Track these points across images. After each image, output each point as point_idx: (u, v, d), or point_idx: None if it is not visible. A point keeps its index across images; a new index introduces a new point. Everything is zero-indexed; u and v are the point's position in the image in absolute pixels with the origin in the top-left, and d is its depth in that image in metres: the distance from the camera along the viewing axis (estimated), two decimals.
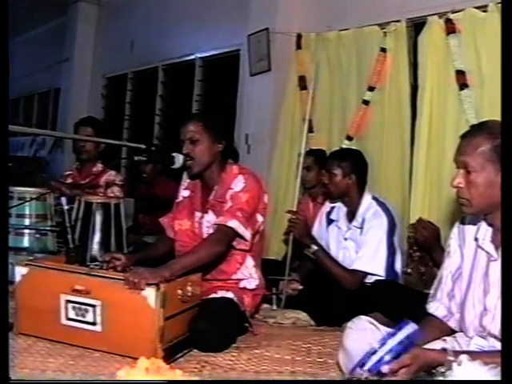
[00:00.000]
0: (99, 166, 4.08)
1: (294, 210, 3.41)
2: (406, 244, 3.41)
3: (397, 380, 1.67)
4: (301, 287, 3.30)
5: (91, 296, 2.28)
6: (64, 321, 2.34)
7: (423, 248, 3.22)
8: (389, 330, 1.91)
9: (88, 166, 4.09)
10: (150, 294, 2.17)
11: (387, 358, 1.65)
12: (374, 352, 1.67)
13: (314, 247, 3.18)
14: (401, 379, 1.64)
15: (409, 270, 3.34)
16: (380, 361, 1.65)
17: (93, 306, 2.28)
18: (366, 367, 1.66)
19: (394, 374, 1.64)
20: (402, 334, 1.69)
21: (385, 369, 1.64)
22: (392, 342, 1.67)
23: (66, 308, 2.33)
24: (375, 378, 1.67)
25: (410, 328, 1.71)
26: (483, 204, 1.79)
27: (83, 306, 2.30)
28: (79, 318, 2.31)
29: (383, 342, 1.68)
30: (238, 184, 2.64)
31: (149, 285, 2.19)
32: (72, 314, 2.33)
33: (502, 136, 1.71)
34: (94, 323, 2.29)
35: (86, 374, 2.04)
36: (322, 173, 3.76)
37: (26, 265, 2.46)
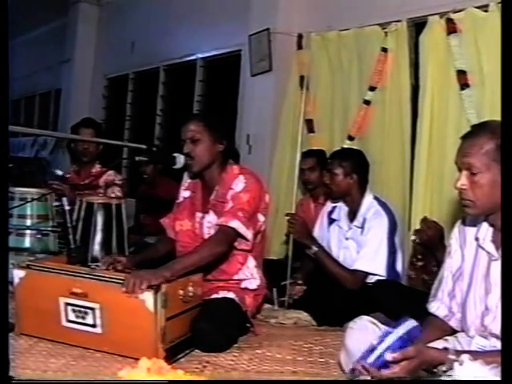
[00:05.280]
0: (98, 167, 4.09)
1: (293, 212, 3.42)
2: (411, 250, 3.40)
3: (397, 380, 1.67)
4: (305, 287, 3.29)
5: (89, 299, 2.26)
6: (64, 322, 2.33)
7: (427, 247, 3.21)
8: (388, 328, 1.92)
9: (87, 168, 4.10)
10: (148, 298, 2.16)
11: (388, 354, 1.66)
12: (374, 349, 1.68)
13: (315, 248, 3.18)
14: (400, 374, 1.64)
15: (413, 276, 3.33)
16: (380, 357, 1.66)
17: (91, 308, 2.26)
18: (369, 361, 1.67)
19: (395, 363, 1.65)
20: (401, 330, 1.70)
21: (388, 356, 1.64)
22: (391, 338, 1.68)
23: (66, 310, 2.32)
24: (375, 378, 1.67)
25: (410, 324, 1.72)
26: (488, 204, 1.78)
27: (82, 309, 2.28)
28: (79, 320, 2.30)
29: (382, 339, 1.69)
30: (239, 184, 2.64)
31: (148, 287, 2.18)
32: (72, 317, 2.31)
33: (502, 136, 1.70)
34: (94, 325, 2.28)
35: (87, 375, 2.04)
36: (322, 173, 3.77)
37: (23, 267, 2.43)
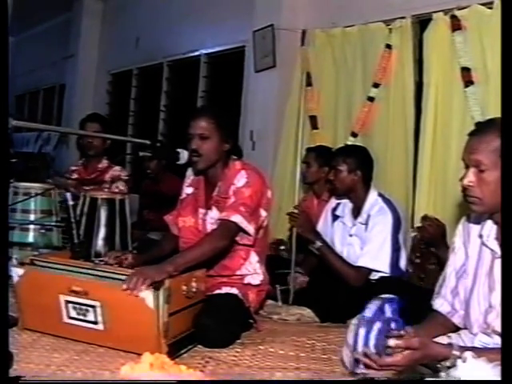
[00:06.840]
0: (105, 162, 4.11)
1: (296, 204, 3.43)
2: (410, 246, 3.40)
3: (397, 380, 1.67)
4: (307, 279, 3.30)
5: (89, 297, 2.25)
6: (66, 319, 2.32)
7: (429, 245, 3.21)
8: None
9: (94, 162, 4.13)
10: (148, 296, 2.15)
11: (377, 326, 1.66)
12: (358, 324, 1.68)
13: (319, 243, 3.18)
14: (401, 363, 1.64)
15: (410, 271, 3.33)
16: (369, 331, 1.65)
17: (92, 306, 2.25)
18: (360, 342, 1.66)
19: (398, 351, 1.64)
20: (377, 300, 1.70)
21: (391, 342, 1.64)
22: (370, 310, 1.68)
23: (67, 307, 2.31)
24: (375, 377, 1.67)
25: (384, 296, 1.73)
26: (495, 202, 1.75)
27: (83, 307, 2.27)
28: (81, 317, 2.29)
29: (363, 314, 1.69)
30: (241, 179, 2.63)
31: (150, 284, 2.17)
32: (73, 314, 2.30)
33: (502, 135, 1.69)
34: (95, 322, 2.27)
35: (90, 370, 2.04)
36: (322, 169, 3.77)
37: (23, 264, 2.41)
